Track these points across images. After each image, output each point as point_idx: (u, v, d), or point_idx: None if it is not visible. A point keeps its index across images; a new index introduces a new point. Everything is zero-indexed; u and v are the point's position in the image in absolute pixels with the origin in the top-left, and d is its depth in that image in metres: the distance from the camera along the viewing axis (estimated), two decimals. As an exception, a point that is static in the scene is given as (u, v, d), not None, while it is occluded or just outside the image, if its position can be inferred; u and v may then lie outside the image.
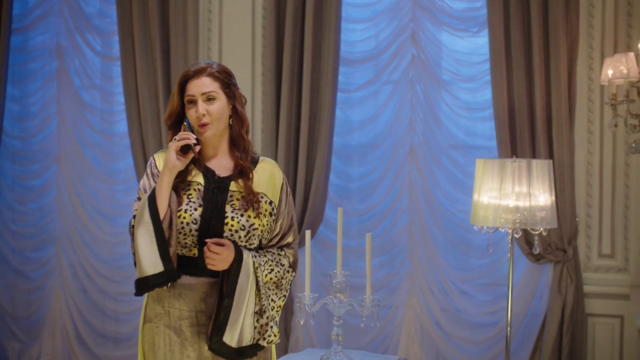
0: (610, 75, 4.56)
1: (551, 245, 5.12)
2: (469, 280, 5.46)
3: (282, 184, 3.02)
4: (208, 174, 2.95)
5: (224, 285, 2.85)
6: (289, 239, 3.04)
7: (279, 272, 2.95)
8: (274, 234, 3.00)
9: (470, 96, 5.45)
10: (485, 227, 4.54)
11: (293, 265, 3.02)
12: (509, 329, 4.58)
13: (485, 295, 5.44)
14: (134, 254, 2.86)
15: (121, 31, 5.80)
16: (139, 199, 2.94)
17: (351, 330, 5.16)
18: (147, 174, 2.98)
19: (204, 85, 2.91)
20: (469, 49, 5.45)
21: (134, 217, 2.87)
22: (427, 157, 5.49)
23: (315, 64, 5.45)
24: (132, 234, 2.85)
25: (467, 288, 5.46)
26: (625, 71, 4.46)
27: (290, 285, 3.02)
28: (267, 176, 3.00)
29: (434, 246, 5.48)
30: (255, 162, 3.01)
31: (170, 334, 2.89)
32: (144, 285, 2.82)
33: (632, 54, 4.56)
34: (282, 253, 3.00)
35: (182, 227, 2.86)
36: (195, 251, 2.88)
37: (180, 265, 2.86)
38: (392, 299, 5.52)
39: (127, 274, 6.03)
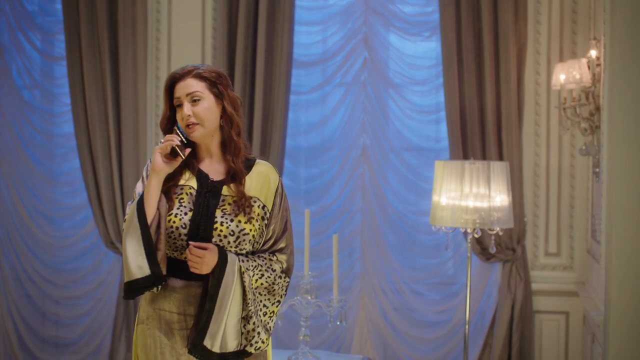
0: (562, 80, 4.72)
1: (501, 245, 5.28)
2: (420, 279, 5.58)
3: (277, 187, 2.98)
4: (202, 177, 2.92)
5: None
6: (282, 244, 2.99)
7: (269, 277, 2.92)
8: (267, 239, 2.96)
9: (421, 99, 5.57)
10: (443, 228, 4.65)
11: (286, 271, 2.98)
12: (467, 326, 4.69)
13: (436, 294, 5.57)
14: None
15: (67, 30, 5.68)
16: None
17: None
18: (142, 178, 2.95)
19: (188, 86, 2.88)
20: (420, 53, 5.57)
21: (125, 220, 2.87)
22: (379, 158, 5.57)
23: (268, 66, 5.47)
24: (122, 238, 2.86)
25: (418, 287, 5.57)
26: (578, 76, 4.64)
27: (285, 291, 2.98)
28: (262, 179, 2.96)
29: (385, 246, 5.57)
30: (250, 165, 2.98)
31: (161, 336, 2.87)
32: (132, 288, 2.81)
33: (584, 60, 4.74)
34: (274, 258, 2.96)
35: (172, 232, 2.85)
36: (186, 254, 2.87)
37: (171, 268, 2.86)
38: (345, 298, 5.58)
39: (72, 278, 5.92)
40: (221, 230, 2.85)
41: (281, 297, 2.97)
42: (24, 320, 5.97)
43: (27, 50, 5.98)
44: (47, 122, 6.00)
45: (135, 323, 2.97)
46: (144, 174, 2.95)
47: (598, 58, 4.68)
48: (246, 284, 2.85)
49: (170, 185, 2.88)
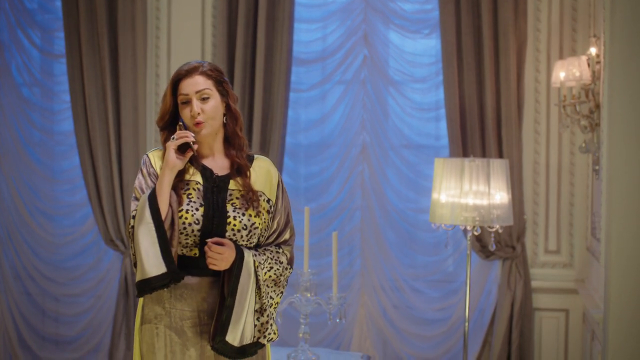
0: (562, 78, 4.72)
1: (501, 242, 5.28)
2: (419, 277, 5.58)
3: (278, 181, 3.02)
4: (206, 172, 2.93)
5: (225, 284, 2.84)
6: (286, 236, 3.03)
7: (277, 269, 2.95)
8: (272, 232, 2.99)
9: (420, 97, 5.57)
10: (443, 225, 4.65)
11: (290, 262, 3.02)
12: (466, 324, 4.70)
13: (435, 291, 5.57)
14: (134, 254, 2.81)
15: (67, 28, 5.67)
16: (136, 198, 2.89)
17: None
18: (142, 173, 2.92)
19: (197, 83, 2.88)
20: (420, 50, 5.57)
21: (133, 217, 2.83)
22: (379, 156, 5.57)
23: (267, 64, 5.47)
24: (132, 235, 2.80)
25: (418, 285, 5.58)
26: (578, 74, 4.63)
27: (286, 282, 3.01)
28: (264, 174, 2.99)
29: (385, 244, 5.58)
30: (250, 160, 3.01)
31: (171, 334, 2.85)
32: (146, 286, 2.77)
33: (584, 57, 4.74)
34: (280, 250, 3.00)
35: (184, 228, 2.83)
36: (196, 251, 2.85)
37: (181, 265, 2.83)
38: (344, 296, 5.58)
39: (72, 276, 5.91)
40: (234, 225, 2.86)
41: (284, 287, 3.01)
42: (23, 318, 5.97)
43: (26, 47, 5.98)
44: (46, 119, 6.00)
45: (138, 323, 2.93)
46: (144, 170, 2.93)
47: (598, 55, 4.68)
48: (260, 277, 2.88)
49: (176, 181, 2.87)
